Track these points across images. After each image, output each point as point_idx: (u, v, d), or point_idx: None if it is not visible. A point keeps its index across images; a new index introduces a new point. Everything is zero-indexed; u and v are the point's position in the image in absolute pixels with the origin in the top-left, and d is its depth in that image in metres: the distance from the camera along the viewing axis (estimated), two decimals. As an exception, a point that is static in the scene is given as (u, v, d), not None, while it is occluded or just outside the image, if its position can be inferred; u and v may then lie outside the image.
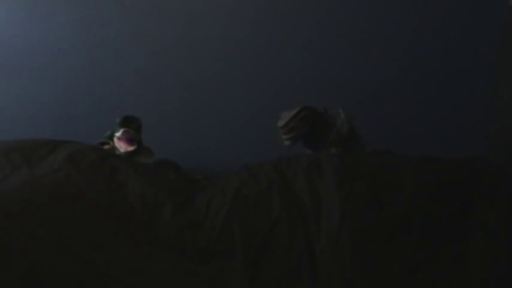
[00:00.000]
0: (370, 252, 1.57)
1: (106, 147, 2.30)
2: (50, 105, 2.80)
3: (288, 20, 2.67)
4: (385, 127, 2.63)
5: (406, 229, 1.61)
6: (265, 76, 2.70)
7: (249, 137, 2.68)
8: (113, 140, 2.29)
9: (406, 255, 1.58)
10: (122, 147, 2.25)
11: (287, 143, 2.20)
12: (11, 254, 1.51)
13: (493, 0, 2.49)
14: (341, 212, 1.63)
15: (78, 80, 2.78)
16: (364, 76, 2.67)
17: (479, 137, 2.55)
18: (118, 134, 2.24)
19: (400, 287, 1.54)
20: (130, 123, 2.27)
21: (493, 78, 2.53)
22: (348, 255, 1.56)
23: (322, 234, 1.61)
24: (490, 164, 1.82)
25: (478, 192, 1.68)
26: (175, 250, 1.65)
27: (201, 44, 2.71)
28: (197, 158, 2.71)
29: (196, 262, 1.63)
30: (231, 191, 1.76)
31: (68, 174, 1.78)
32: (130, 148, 2.25)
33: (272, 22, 2.67)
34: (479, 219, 1.62)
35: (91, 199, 1.72)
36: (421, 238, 1.60)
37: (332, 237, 1.59)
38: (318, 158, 1.84)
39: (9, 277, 1.48)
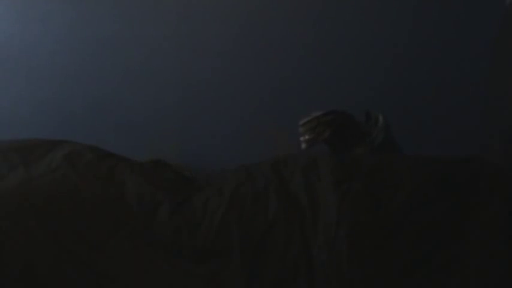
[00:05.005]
0: (368, 252, 1.57)
1: None
2: (47, 105, 2.79)
3: (287, 19, 2.66)
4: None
5: (403, 229, 1.61)
6: (264, 76, 2.70)
7: (248, 137, 2.68)
8: None
9: (403, 255, 1.58)
10: None
11: (303, 145, 2.06)
12: (8, 254, 1.52)
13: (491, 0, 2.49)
14: (338, 211, 1.63)
15: (76, 80, 2.78)
16: (363, 76, 2.67)
17: (478, 137, 2.54)
18: None
19: (398, 287, 1.54)
20: None
21: (492, 77, 2.53)
22: (345, 255, 1.56)
23: (319, 233, 1.61)
24: (487, 164, 1.81)
25: (476, 192, 1.67)
26: (172, 250, 1.65)
27: (199, 44, 2.71)
28: (195, 158, 2.71)
29: (193, 262, 1.63)
30: (228, 191, 1.76)
31: (65, 174, 1.77)
32: None
33: (270, 21, 2.67)
34: (477, 219, 1.62)
35: (88, 199, 1.72)
36: (419, 238, 1.60)
37: (329, 237, 1.59)
38: (315, 158, 1.83)
39: (7, 277, 1.48)
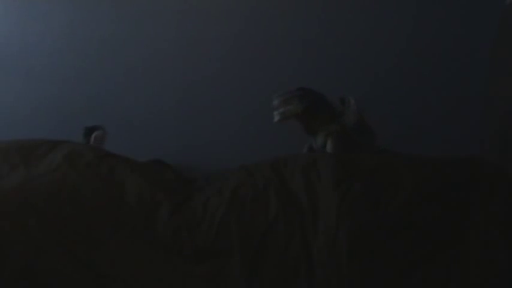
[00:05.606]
0: (367, 252, 1.57)
1: None
2: (47, 105, 2.80)
3: (287, 19, 2.67)
4: (385, 127, 2.62)
5: (403, 229, 1.61)
6: (263, 75, 2.71)
7: (247, 137, 2.68)
8: None
9: (403, 255, 1.58)
10: None
11: (276, 118, 2.13)
12: (8, 254, 1.52)
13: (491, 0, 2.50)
14: (338, 211, 1.62)
15: (75, 80, 2.79)
16: (363, 76, 2.67)
17: (478, 137, 2.54)
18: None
19: (398, 287, 1.54)
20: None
21: (492, 77, 2.53)
22: (345, 254, 1.56)
23: (319, 233, 1.61)
24: (487, 164, 1.81)
25: (476, 192, 1.67)
26: (172, 250, 1.64)
27: (198, 44, 2.71)
28: (195, 158, 2.71)
29: (193, 261, 1.63)
30: (228, 191, 1.75)
31: (65, 174, 1.77)
32: None
33: (269, 22, 2.67)
34: (477, 219, 1.62)
35: (88, 199, 1.72)
36: (419, 238, 1.60)
37: (329, 236, 1.59)
38: (315, 158, 1.83)
39: (7, 276, 1.48)
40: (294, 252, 1.59)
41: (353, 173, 1.73)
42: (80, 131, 2.43)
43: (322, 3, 2.65)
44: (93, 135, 2.35)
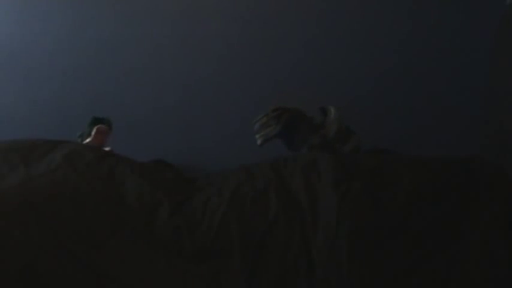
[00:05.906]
0: (367, 252, 1.57)
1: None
2: (47, 105, 2.80)
3: (287, 19, 2.67)
4: (385, 127, 2.63)
5: (403, 229, 1.61)
6: (264, 75, 2.71)
7: (247, 137, 2.68)
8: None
9: (403, 254, 1.58)
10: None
11: (258, 142, 2.19)
12: (8, 254, 1.52)
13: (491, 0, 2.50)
14: (338, 211, 1.62)
15: (75, 80, 2.79)
16: (363, 76, 2.67)
17: (478, 137, 2.54)
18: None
19: (398, 287, 1.54)
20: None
21: (492, 78, 2.53)
22: (345, 254, 1.56)
23: (319, 233, 1.61)
24: (487, 164, 1.81)
25: (475, 192, 1.67)
26: (172, 250, 1.64)
27: (198, 44, 2.71)
28: (195, 157, 2.71)
29: (193, 262, 1.63)
30: (228, 191, 1.75)
31: (65, 174, 1.77)
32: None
33: (269, 22, 2.67)
34: (477, 219, 1.62)
35: (88, 199, 1.71)
36: (419, 238, 1.60)
37: (329, 236, 1.59)
38: (315, 158, 1.83)
39: (7, 276, 1.48)
40: (294, 252, 1.59)
41: (353, 173, 1.73)
42: (80, 131, 2.43)
43: (322, 4, 2.65)
44: (95, 127, 2.34)
